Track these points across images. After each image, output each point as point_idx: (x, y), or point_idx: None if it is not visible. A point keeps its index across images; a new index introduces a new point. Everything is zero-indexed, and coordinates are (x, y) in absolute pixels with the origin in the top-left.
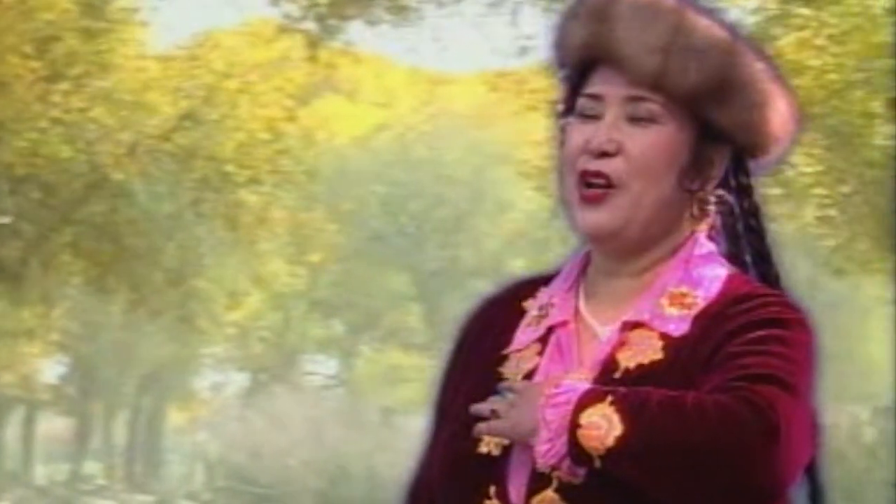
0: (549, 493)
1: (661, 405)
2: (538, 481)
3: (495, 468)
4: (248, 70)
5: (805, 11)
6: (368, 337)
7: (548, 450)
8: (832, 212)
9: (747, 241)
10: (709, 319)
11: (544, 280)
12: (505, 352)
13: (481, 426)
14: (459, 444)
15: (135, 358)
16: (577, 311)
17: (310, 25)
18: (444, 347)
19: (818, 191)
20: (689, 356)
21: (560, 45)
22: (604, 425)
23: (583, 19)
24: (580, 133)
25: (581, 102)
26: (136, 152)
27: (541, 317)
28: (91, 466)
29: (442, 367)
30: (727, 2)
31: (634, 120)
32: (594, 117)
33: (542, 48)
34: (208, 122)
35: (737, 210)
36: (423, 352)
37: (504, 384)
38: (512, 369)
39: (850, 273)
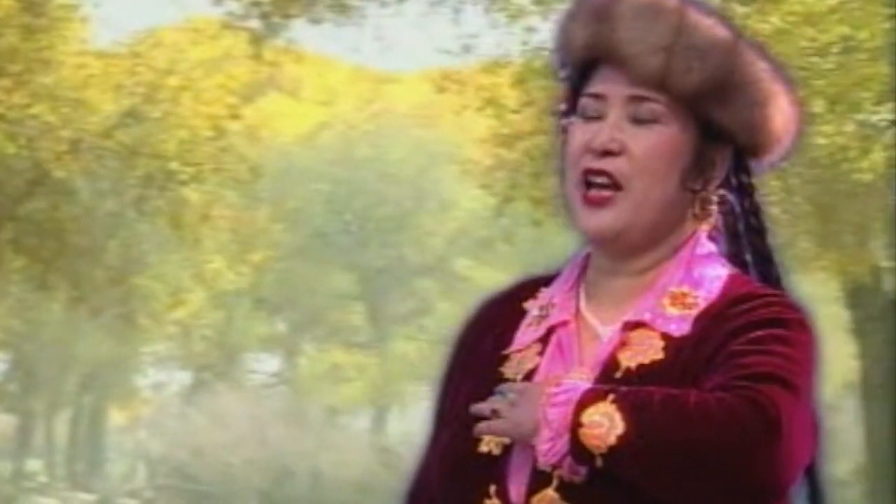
0: (550, 493)
1: (663, 404)
2: (538, 480)
3: (495, 467)
4: (191, 67)
5: (744, 10)
6: (312, 335)
7: (549, 448)
8: (775, 210)
9: (748, 240)
10: (710, 319)
11: (545, 280)
12: (505, 352)
13: (482, 426)
14: (460, 444)
15: (76, 356)
16: (577, 311)
17: (253, 23)
18: (387, 345)
19: (760, 189)
20: (690, 356)
21: (562, 45)
22: (605, 424)
23: (584, 19)
24: (583, 133)
25: (583, 102)
26: (79, 149)
27: (541, 317)
28: (33, 464)
29: (442, 367)
30: None
31: (637, 120)
32: (597, 117)
33: (485, 46)
34: (151, 119)
35: (738, 209)
36: (366, 350)
37: (505, 385)
38: (513, 369)
39: (794, 271)
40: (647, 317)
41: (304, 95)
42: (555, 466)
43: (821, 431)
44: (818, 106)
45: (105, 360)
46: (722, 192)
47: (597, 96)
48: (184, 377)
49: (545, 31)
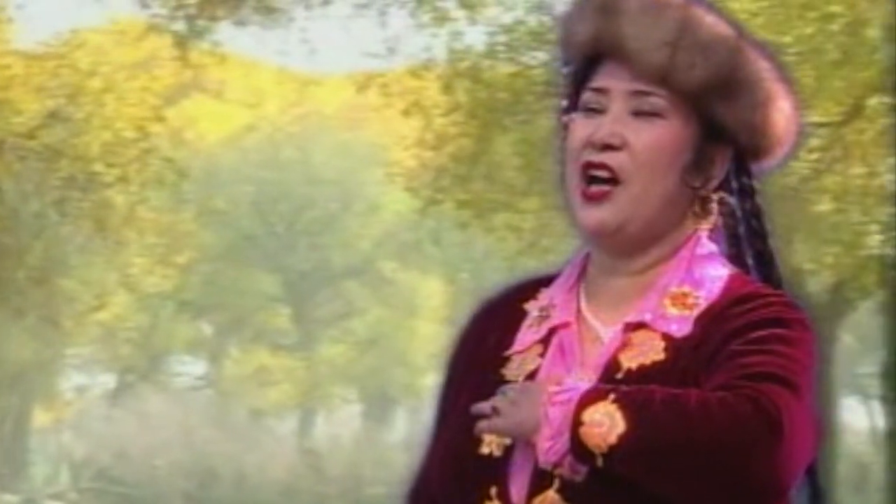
0: (551, 494)
1: (664, 403)
2: (539, 482)
3: (496, 469)
4: (115, 69)
5: None
6: (237, 338)
7: (550, 447)
8: None
9: (749, 242)
10: (710, 320)
11: (545, 281)
12: (507, 353)
13: (482, 424)
14: (461, 446)
15: None
16: (578, 312)
17: (178, 26)
18: (314, 348)
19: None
20: (691, 357)
21: (565, 40)
22: (606, 423)
23: (589, 14)
24: (584, 127)
25: (586, 97)
26: (2, 150)
27: (542, 318)
28: None
29: (443, 368)
30: None
31: (639, 114)
32: (598, 111)
33: (410, 50)
34: (74, 120)
35: (738, 212)
36: (292, 353)
37: (507, 386)
38: (514, 370)
39: None
40: (647, 317)
41: (229, 97)
42: (555, 466)
43: (820, 432)
44: None
45: (28, 362)
46: (722, 194)
47: (599, 90)
48: (108, 380)
49: (471, 34)
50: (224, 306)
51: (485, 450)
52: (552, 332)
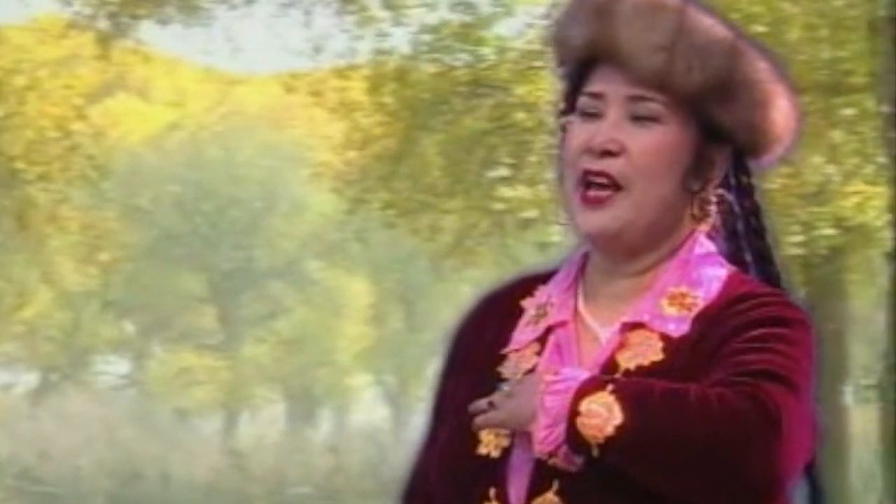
0: (550, 496)
1: (662, 396)
2: (538, 483)
3: (495, 470)
4: (37, 67)
5: None
6: (161, 337)
7: (546, 436)
8: None
9: (748, 240)
10: (709, 319)
11: (542, 278)
12: (503, 351)
13: (480, 419)
14: (458, 446)
15: None
16: (576, 311)
17: (101, 23)
18: (238, 348)
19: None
20: (690, 356)
21: (561, 43)
22: (604, 414)
23: (584, 17)
24: (581, 132)
25: (582, 101)
26: None
27: (539, 316)
28: None
29: (439, 365)
30: (518, 5)
31: (637, 119)
32: (595, 116)
33: (336, 50)
34: None
35: (737, 210)
36: (216, 353)
37: (505, 384)
38: (510, 369)
39: None
40: (645, 317)
41: (152, 96)
42: (550, 455)
43: (818, 431)
44: None
45: None
46: (721, 191)
47: (596, 95)
48: (30, 378)
49: (395, 34)
50: (148, 306)
51: (483, 450)
52: (549, 330)
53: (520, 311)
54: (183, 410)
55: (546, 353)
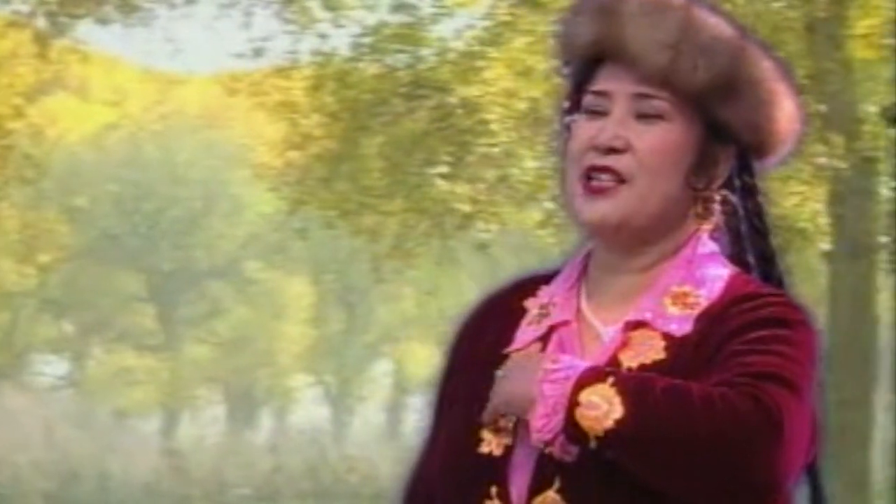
0: (551, 494)
1: (664, 392)
2: (540, 482)
3: (496, 468)
4: None
5: (532, 17)
6: (100, 338)
7: (544, 424)
8: (560, 214)
9: (751, 241)
10: (711, 319)
11: (545, 278)
12: (505, 351)
13: (484, 415)
14: (460, 445)
15: None
16: (578, 311)
17: (39, 22)
18: (178, 348)
19: (545, 194)
20: (692, 356)
21: (566, 41)
22: (603, 406)
23: (590, 16)
24: (586, 129)
25: (587, 99)
26: None
27: (542, 315)
28: None
29: (441, 364)
30: (458, 7)
31: (642, 117)
32: (601, 114)
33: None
34: None
35: (740, 210)
36: (156, 353)
37: (499, 372)
38: None
39: None
40: (648, 316)
41: (91, 96)
42: (547, 444)
43: (819, 432)
44: None
45: None
46: (724, 192)
47: (601, 93)
48: None
49: (336, 35)
50: (86, 305)
51: (484, 449)
52: (552, 330)
53: (522, 312)
54: (122, 411)
55: (548, 353)
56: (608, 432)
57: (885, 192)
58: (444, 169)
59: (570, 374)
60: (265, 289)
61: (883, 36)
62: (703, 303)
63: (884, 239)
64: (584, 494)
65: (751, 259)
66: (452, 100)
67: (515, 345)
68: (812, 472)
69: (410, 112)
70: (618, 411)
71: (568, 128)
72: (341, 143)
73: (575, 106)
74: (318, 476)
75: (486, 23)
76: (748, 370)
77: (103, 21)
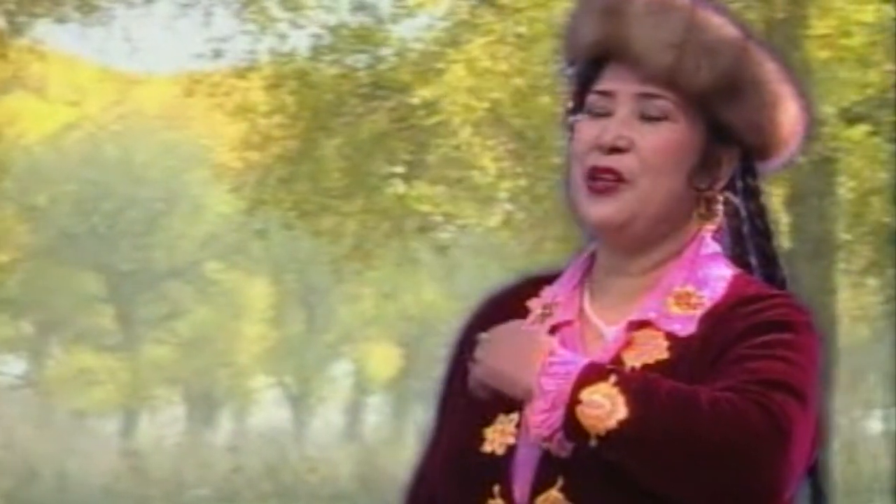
0: (554, 493)
1: (671, 395)
2: (543, 480)
3: (499, 467)
4: None
5: (492, 18)
6: (59, 338)
7: (543, 420)
8: (520, 216)
9: (753, 242)
10: (715, 320)
11: (548, 279)
12: None
13: (469, 379)
14: (463, 444)
15: None
16: (581, 311)
17: None
18: (137, 348)
19: (505, 195)
20: (696, 357)
21: (571, 41)
22: (606, 405)
23: (594, 16)
24: (590, 129)
25: (591, 99)
26: None
27: (545, 316)
28: None
29: (444, 365)
30: (418, 7)
31: (646, 117)
32: (605, 114)
33: (235, 51)
34: None
35: (743, 212)
36: (115, 353)
37: (484, 335)
38: None
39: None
40: (651, 316)
41: (50, 95)
42: (545, 440)
43: (822, 434)
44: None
45: None
46: (727, 193)
47: (605, 93)
48: None
49: (295, 36)
50: (45, 305)
51: (487, 448)
52: (554, 330)
53: (525, 312)
54: (81, 411)
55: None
56: (610, 432)
57: (843, 192)
58: (403, 170)
59: (570, 370)
60: (225, 289)
61: (841, 37)
62: (707, 303)
63: (842, 239)
64: (587, 493)
65: (753, 260)
66: (412, 100)
67: None
68: (813, 474)
69: (370, 112)
70: (621, 412)
71: (572, 128)
72: (301, 144)
73: (579, 106)
74: (278, 477)
75: (446, 23)
76: (755, 377)
77: (62, 20)
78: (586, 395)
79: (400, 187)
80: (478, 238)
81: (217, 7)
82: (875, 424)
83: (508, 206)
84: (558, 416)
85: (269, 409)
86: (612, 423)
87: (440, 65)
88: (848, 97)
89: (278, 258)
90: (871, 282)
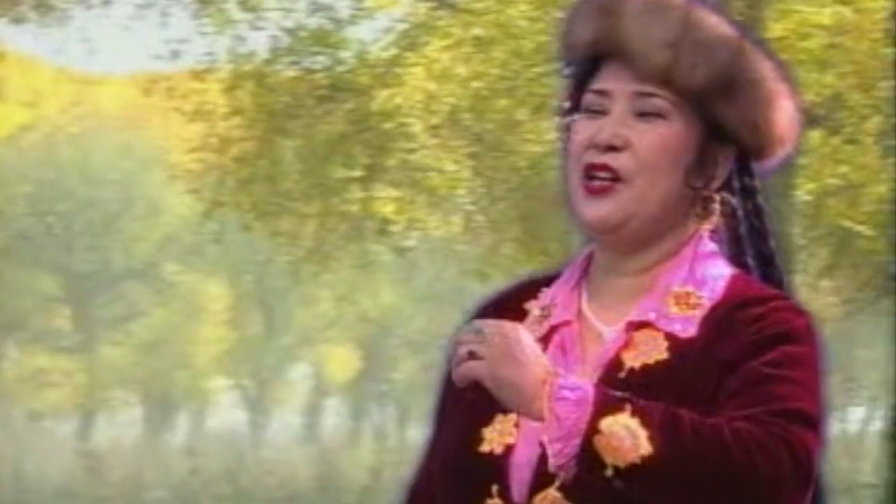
0: (552, 492)
1: (696, 434)
2: (541, 479)
3: (497, 466)
4: None
5: (451, 20)
6: (15, 339)
7: (560, 450)
8: (478, 218)
9: (751, 242)
10: (716, 323)
11: (546, 281)
12: None
13: (461, 366)
14: (461, 444)
15: None
16: (579, 311)
17: None
18: (94, 350)
19: (464, 198)
20: (697, 360)
21: (567, 41)
22: (627, 438)
23: (590, 15)
24: (586, 128)
25: (588, 98)
26: None
27: (543, 317)
28: None
29: (443, 368)
30: (376, 9)
31: (642, 115)
32: (601, 113)
33: (193, 52)
34: None
35: (740, 212)
36: (72, 355)
37: (479, 322)
38: None
39: (494, 278)
40: (651, 316)
41: (7, 96)
42: (559, 468)
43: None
44: (522, 114)
45: None
46: (724, 193)
47: (602, 92)
48: None
49: (253, 37)
50: (2, 306)
51: (485, 448)
52: (553, 330)
53: (524, 314)
54: (37, 412)
55: (549, 353)
56: (632, 467)
57: (800, 194)
58: (362, 172)
59: (582, 397)
60: (182, 291)
61: (799, 39)
62: (706, 303)
63: (800, 241)
64: (585, 492)
65: (750, 261)
66: (371, 103)
67: None
68: (816, 483)
69: (328, 115)
70: (645, 447)
71: (569, 128)
72: (259, 146)
73: (576, 106)
74: (235, 479)
75: (405, 25)
76: (773, 407)
77: (19, 21)
78: (605, 425)
79: (358, 190)
80: (436, 240)
81: (174, 8)
82: (833, 426)
83: (466, 209)
84: (574, 445)
85: (226, 411)
86: (634, 457)
87: (398, 69)
88: (806, 99)
89: (236, 260)
90: (828, 284)
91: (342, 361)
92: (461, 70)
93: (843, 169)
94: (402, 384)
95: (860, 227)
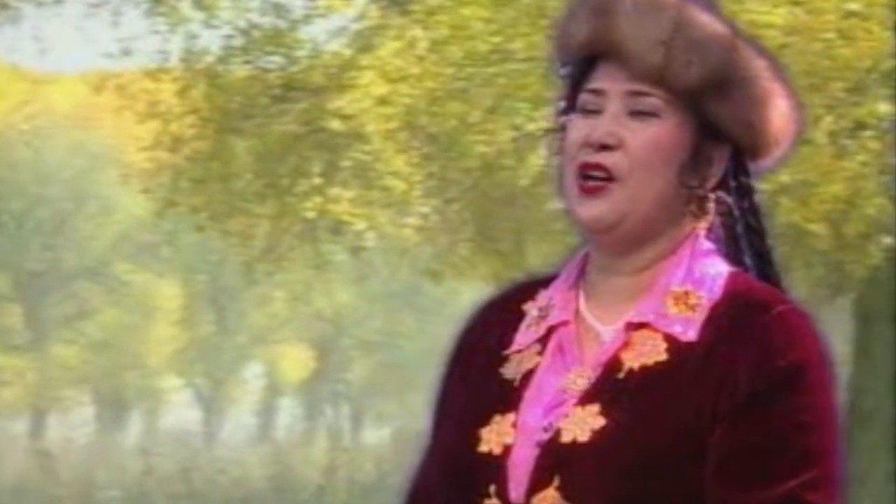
0: (550, 492)
1: None
2: (539, 480)
3: (495, 467)
4: None
5: (404, 21)
6: None
7: None
8: (433, 218)
9: (748, 241)
10: (718, 328)
11: (543, 282)
12: (505, 352)
13: None
14: (459, 445)
15: None
16: (577, 312)
17: None
18: (46, 349)
19: (419, 199)
20: (698, 366)
21: (562, 41)
22: None
23: (584, 15)
24: (581, 128)
25: (583, 98)
26: None
27: (541, 318)
28: None
29: (441, 370)
30: (329, 10)
31: (635, 114)
32: (595, 112)
33: (146, 51)
34: None
35: (736, 211)
36: (23, 354)
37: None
38: (512, 370)
39: (448, 278)
40: (650, 317)
41: None
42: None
43: None
44: (474, 115)
45: None
46: (719, 192)
47: (596, 92)
48: None
49: (206, 36)
50: None
51: (483, 448)
52: (551, 331)
53: (521, 315)
54: None
55: (547, 353)
56: None
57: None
58: (316, 171)
59: None
60: (135, 290)
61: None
62: (706, 303)
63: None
64: (584, 492)
65: (748, 259)
66: (325, 103)
67: (515, 346)
68: None
69: (282, 115)
70: None
71: (564, 128)
72: (212, 146)
73: (571, 106)
74: (189, 478)
75: (359, 25)
76: (794, 480)
77: None
78: None
79: (312, 190)
80: (390, 240)
81: (126, 6)
82: None
83: (421, 209)
84: None
85: (180, 410)
86: None
87: (352, 71)
88: None
89: (189, 259)
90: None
91: (296, 361)
92: (415, 70)
93: (797, 168)
94: (357, 384)
95: (814, 227)
